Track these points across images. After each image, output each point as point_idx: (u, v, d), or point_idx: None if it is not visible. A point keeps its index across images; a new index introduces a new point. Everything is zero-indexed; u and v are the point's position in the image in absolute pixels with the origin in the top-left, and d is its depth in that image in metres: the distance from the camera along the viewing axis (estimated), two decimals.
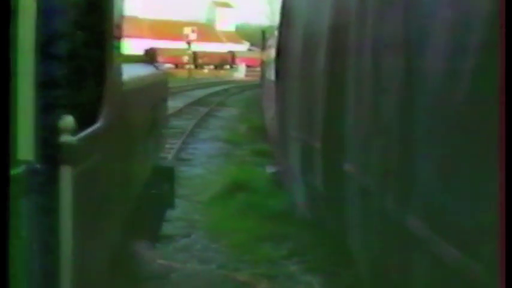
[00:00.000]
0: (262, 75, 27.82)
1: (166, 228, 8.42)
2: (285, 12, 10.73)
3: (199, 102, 30.35)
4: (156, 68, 6.92)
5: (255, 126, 19.66)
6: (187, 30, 55.26)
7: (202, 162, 14.45)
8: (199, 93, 36.17)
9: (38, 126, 2.54)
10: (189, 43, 55.71)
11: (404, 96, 3.80)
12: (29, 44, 2.48)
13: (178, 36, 63.31)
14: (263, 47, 30.77)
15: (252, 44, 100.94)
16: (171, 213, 8.95)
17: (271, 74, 18.15)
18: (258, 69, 75.82)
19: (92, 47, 3.44)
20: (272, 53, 21.03)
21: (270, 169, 11.65)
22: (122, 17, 4.00)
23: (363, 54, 4.67)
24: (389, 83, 4.05)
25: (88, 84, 3.42)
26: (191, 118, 22.53)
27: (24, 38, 2.45)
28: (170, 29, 77.77)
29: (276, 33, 16.02)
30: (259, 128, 19.13)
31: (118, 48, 3.89)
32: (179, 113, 23.64)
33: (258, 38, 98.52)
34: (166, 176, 6.97)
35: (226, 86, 45.58)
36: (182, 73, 54.87)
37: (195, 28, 56.48)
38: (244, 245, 7.89)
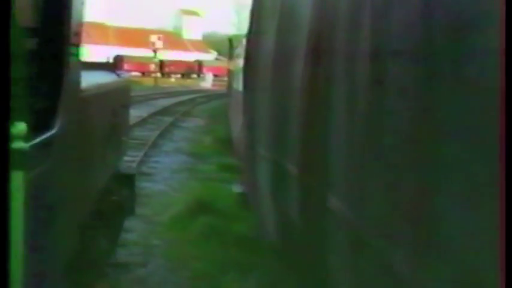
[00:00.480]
0: (229, 85, 26.98)
1: (121, 255, 7.61)
2: (255, 18, 9.90)
3: (164, 111, 29.34)
4: (118, 75, 6.90)
5: (221, 139, 18.79)
6: (153, 37, 54.27)
7: (164, 178, 13.52)
8: (165, 102, 35.07)
9: None
10: (155, 51, 54.67)
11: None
12: None
13: (144, 43, 62.40)
14: (230, 56, 29.93)
15: (219, 53, 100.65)
16: (126, 237, 8.20)
17: (238, 84, 17.37)
18: (225, 78, 75.97)
19: (48, 52, 3.44)
20: (239, 62, 20.26)
21: (236, 188, 10.77)
22: (80, 22, 3.95)
23: (354, 63, 3.77)
24: (391, 98, 3.18)
25: (43, 90, 3.40)
26: (155, 129, 21.55)
27: None
28: (137, 37, 76.82)
29: (243, 41, 15.23)
30: (225, 140, 18.26)
31: (76, 54, 3.87)
32: (142, 122, 22.66)
33: (225, 47, 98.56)
34: (126, 183, 7.06)
35: (192, 96, 44.54)
36: (148, 81, 53.88)
37: (161, 36, 55.48)
38: (207, 276, 7.06)
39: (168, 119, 25.62)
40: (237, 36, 27.55)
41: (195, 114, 30.38)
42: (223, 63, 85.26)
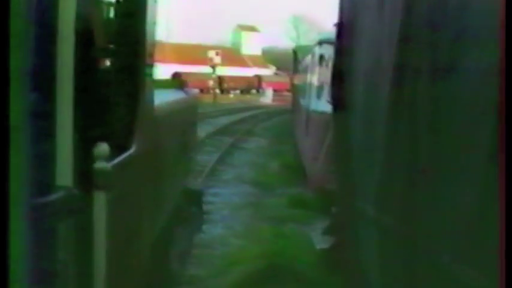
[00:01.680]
0: (294, 101, 24.34)
1: None
2: (345, 29, 7.36)
3: (223, 131, 26.89)
4: (186, 93, 6.89)
5: (289, 164, 16.19)
6: (211, 53, 52.18)
7: (223, 217, 11.02)
8: (224, 120, 32.61)
9: (75, 153, 2.50)
10: (213, 67, 52.56)
11: None
12: (68, 74, 2.45)
13: (202, 60, 60.69)
14: (294, 69, 27.32)
15: (278, 68, 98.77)
16: None
17: (305, 100, 14.81)
18: (285, 93, 73.72)
19: (125, 74, 3.53)
20: (306, 76, 17.71)
21: (320, 243, 8.08)
22: (154, 42, 3.99)
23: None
24: None
25: (122, 111, 3.47)
26: (213, 151, 19.08)
27: (64, 67, 2.41)
28: (195, 53, 75.08)
29: (316, 52, 12.65)
30: (294, 166, 15.67)
31: (150, 74, 3.92)
32: (200, 144, 20.16)
33: (284, 61, 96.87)
34: (194, 199, 7.16)
35: (253, 112, 42.07)
36: (207, 98, 51.79)
37: (219, 51, 53.33)
38: None
39: (227, 140, 23.19)
40: (301, 48, 24.94)
41: (257, 133, 27.82)
42: (283, 78, 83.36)
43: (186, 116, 6.73)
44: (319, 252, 7.72)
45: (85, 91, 2.62)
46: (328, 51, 11.41)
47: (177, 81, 7.33)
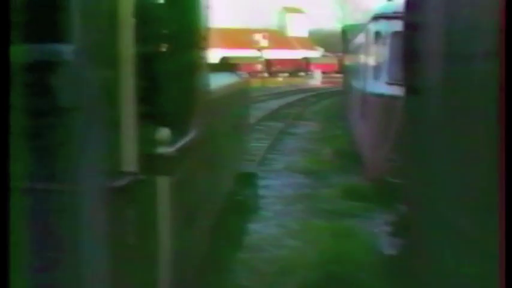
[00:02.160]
0: (346, 83, 23.15)
1: None
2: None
3: (272, 115, 25.86)
4: (238, 76, 6.82)
5: (343, 150, 15.07)
6: (257, 36, 51.15)
7: (276, 212, 10.02)
8: (273, 104, 31.56)
9: (138, 139, 2.52)
10: (260, 50, 51.48)
11: None
12: (130, 60, 2.43)
13: (249, 44, 59.75)
14: (344, 50, 26.06)
15: (325, 50, 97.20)
16: None
17: (359, 81, 13.68)
18: (334, 75, 72.19)
19: (183, 59, 3.51)
20: (356, 56, 16.54)
21: (387, 247, 6.99)
22: (207, 27, 3.93)
23: None
24: None
25: (180, 95, 3.43)
26: (263, 138, 18.09)
27: (125, 54, 2.40)
28: (241, 37, 74.13)
29: (371, 28, 11.49)
30: (348, 152, 14.56)
31: (205, 58, 3.89)
32: (250, 131, 19.21)
33: (331, 43, 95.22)
34: (249, 182, 7.10)
35: (302, 95, 40.86)
36: (255, 82, 50.75)
37: (265, 34, 52.23)
38: None
39: (277, 125, 22.18)
40: (351, 27, 23.66)
41: (307, 117, 26.69)
42: (331, 60, 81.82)
43: (239, 99, 6.61)
44: (386, 257, 6.66)
45: (145, 76, 2.59)
46: (385, 27, 10.28)
47: (229, 64, 7.16)
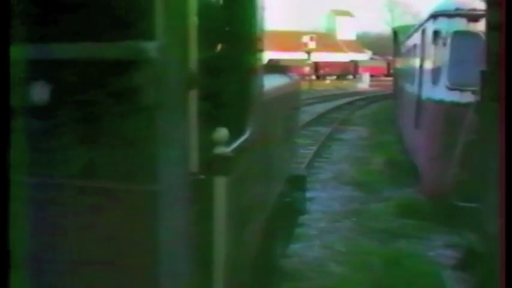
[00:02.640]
0: (396, 87, 21.85)
1: None
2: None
3: (319, 120, 24.73)
4: (290, 77, 6.82)
5: (395, 160, 13.89)
6: (305, 38, 49.79)
7: (321, 230, 8.96)
8: (320, 108, 30.35)
9: (199, 140, 2.55)
10: (308, 53, 50.21)
11: None
12: (193, 62, 2.43)
13: (297, 46, 58.70)
14: (395, 52, 24.73)
15: (374, 53, 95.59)
16: None
17: (413, 86, 12.50)
18: (382, 78, 70.53)
19: (239, 62, 3.56)
20: (409, 59, 15.32)
21: (453, 283, 5.81)
22: (263, 28, 3.92)
23: None
24: None
25: (238, 96, 3.50)
26: (309, 144, 16.99)
27: (193, 53, 2.41)
28: (289, 40, 73.17)
29: (428, 28, 10.33)
30: (401, 162, 13.39)
31: (260, 59, 3.89)
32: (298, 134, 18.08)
33: (379, 46, 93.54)
34: (298, 184, 6.92)
35: (350, 99, 39.52)
36: (303, 84, 49.30)
37: (313, 36, 50.91)
38: None
39: (324, 130, 21.07)
40: (402, 29, 22.35)
41: (355, 122, 25.46)
42: (379, 63, 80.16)
43: (291, 100, 6.59)
44: None
45: (205, 79, 2.59)
46: (446, 25, 9.10)
47: (280, 66, 7.12)
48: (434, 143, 9.12)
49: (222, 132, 2.74)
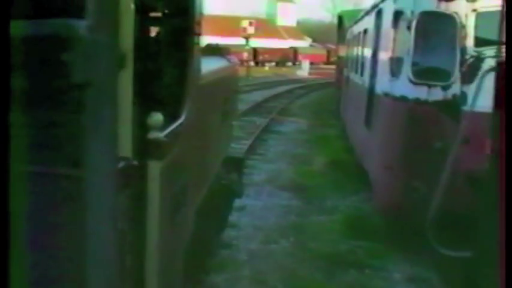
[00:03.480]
0: (340, 76, 20.16)
1: None
2: None
3: (256, 109, 22.86)
4: (228, 60, 6.71)
5: (339, 160, 12.18)
6: (244, 23, 47.69)
7: (251, 255, 7.12)
8: (258, 96, 28.41)
9: (132, 124, 2.50)
10: (247, 38, 48.21)
11: None
12: (129, 45, 2.46)
13: (236, 32, 56.69)
14: (339, 38, 23.00)
15: (314, 40, 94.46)
16: None
17: (363, 78, 10.83)
18: (322, 66, 69.34)
19: (176, 45, 3.53)
20: (357, 45, 13.63)
21: None
22: (202, 12, 3.90)
23: None
24: None
25: (173, 80, 3.50)
26: (242, 137, 15.09)
27: (125, 39, 2.42)
28: (228, 25, 70.95)
29: (386, 9, 8.62)
30: (346, 163, 11.69)
31: (198, 43, 3.86)
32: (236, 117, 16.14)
33: (320, 33, 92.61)
34: (235, 166, 6.94)
35: (289, 86, 37.76)
36: (241, 71, 47.27)
37: (253, 21, 48.85)
38: None
39: (260, 121, 19.23)
40: (348, 13, 20.60)
41: (295, 112, 23.65)
42: (319, 50, 79.05)
43: (229, 83, 6.53)
44: None
45: (140, 61, 2.56)
46: (410, 4, 7.35)
47: (219, 49, 6.72)
48: (392, 149, 7.37)
49: (157, 117, 2.69)
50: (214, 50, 6.47)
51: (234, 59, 7.58)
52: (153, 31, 3.37)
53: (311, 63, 61.91)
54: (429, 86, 6.97)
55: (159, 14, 3.42)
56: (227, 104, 6.25)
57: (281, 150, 14.53)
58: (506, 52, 2.43)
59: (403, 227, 7.08)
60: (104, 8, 2.12)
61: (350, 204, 9.32)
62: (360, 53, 12.45)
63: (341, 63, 20.35)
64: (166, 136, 2.86)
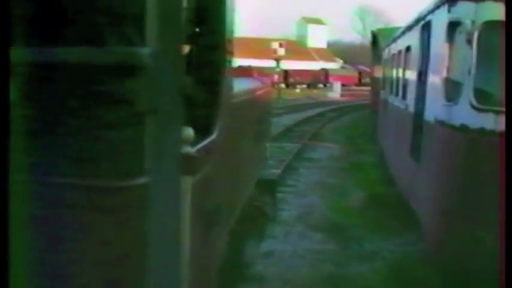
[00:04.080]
0: (377, 98, 18.75)
1: None
2: None
3: (286, 133, 21.57)
4: (261, 81, 6.77)
5: (379, 194, 10.77)
6: (274, 44, 46.55)
7: None
8: (289, 119, 27.12)
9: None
10: (277, 60, 46.99)
11: None
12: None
13: (267, 54, 55.81)
14: (374, 58, 21.64)
15: (345, 61, 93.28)
16: None
17: (407, 101, 9.50)
18: (354, 88, 67.89)
19: (208, 60, 3.55)
20: (396, 65, 12.31)
21: None
22: (233, 30, 3.90)
23: None
24: None
25: (205, 97, 3.49)
26: (272, 166, 13.72)
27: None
28: (259, 47, 70.14)
29: (436, 20, 7.29)
30: (387, 198, 10.30)
31: (230, 63, 3.85)
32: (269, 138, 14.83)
33: (350, 54, 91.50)
34: (268, 188, 6.83)
35: (320, 109, 36.42)
36: (273, 92, 45.89)
37: (283, 42, 47.64)
38: None
39: (291, 147, 17.93)
40: (385, 31, 19.26)
41: (327, 137, 22.28)
42: (351, 72, 77.69)
43: (261, 104, 6.46)
44: None
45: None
46: (471, 13, 6.02)
47: (252, 70, 6.14)
48: (451, 190, 6.00)
49: (187, 132, 2.69)
50: (246, 72, 7.28)
51: (266, 80, 7.48)
52: (187, 47, 3.37)
53: (342, 85, 60.56)
54: (496, 113, 5.62)
55: (193, 31, 3.44)
56: (260, 125, 6.23)
57: (313, 180, 13.17)
58: (506, 52, 2.41)
59: (463, 286, 5.72)
60: (166, 34, 2.10)
61: (394, 249, 7.93)
62: (401, 74, 11.09)
63: (377, 85, 18.94)
64: (197, 152, 2.86)
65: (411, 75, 9.21)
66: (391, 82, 13.16)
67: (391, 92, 13.01)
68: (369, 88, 54.53)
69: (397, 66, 11.86)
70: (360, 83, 73.32)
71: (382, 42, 18.26)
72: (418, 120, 7.85)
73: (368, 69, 71.72)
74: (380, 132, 15.92)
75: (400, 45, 11.73)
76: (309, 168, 14.90)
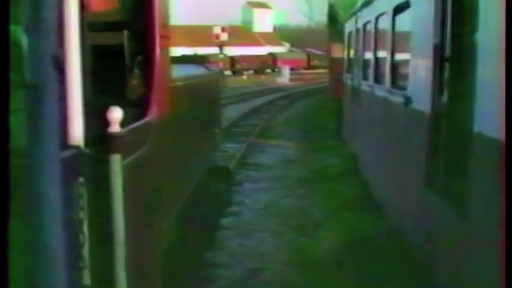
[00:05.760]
0: (337, 83, 15.09)
1: None
2: None
3: (230, 130, 17.81)
4: (207, 68, 6.69)
5: (358, 226, 7.14)
6: (216, 29, 42.75)
7: None
8: (234, 111, 23.23)
9: (88, 116, 2.47)
10: (221, 46, 43.10)
11: None
12: (77, 38, 2.44)
13: (210, 40, 52.15)
14: (331, 35, 17.97)
15: (292, 45, 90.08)
16: None
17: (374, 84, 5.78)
18: (303, 71, 64.65)
19: (140, 46, 3.53)
20: (372, 41, 8.73)
21: None
22: (168, 16, 3.93)
23: None
24: None
25: (138, 80, 3.48)
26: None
27: (73, 32, 2.44)
28: (203, 35, 66.14)
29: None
30: (371, 234, 6.70)
31: (166, 46, 3.84)
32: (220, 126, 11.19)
33: (298, 38, 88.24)
34: (222, 176, 6.85)
35: (269, 97, 32.78)
36: (222, 79, 41.99)
37: (225, 27, 43.82)
38: None
39: (235, 148, 14.27)
40: (344, 2, 15.56)
41: (278, 132, 18.53)
42: (299, 55, 74.39)
43: (208, 91, 6.48)
44: None
45: (102, 59, 2.59)
46: None
47: (199, 57, 6.68)
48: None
49: (116, 111, 2.64)
50: (191, 59, 6.45)
51: (214, 67, 7.39)
52: (118, 35, 3.22)
53: (291, 69, 57.06)
54: None
55: (124, 20, 3.33)
56: (207, 111, 6.23)
57: (263, 203, 9.42)
58: (506, 52, 2.14)
59: None
60: (39, 10, 2.06)
61: None
62: (385, 52, 7.41)
63: (337, 68, 15.28)
64: (129, 132, 2.79)
65: (394, 52, 5.57)
66: (364, 63, 9.49)
67: (364, 77, 9.36)
68: (318, 71, 50.99)
69: (376, 41, 8.18)
70: (309, 66, 70.23)
71: (342, 14, 14.59)
72: (450, 130, 4.21)
73: (317, 51, 68.68)
74: (349, 129, 12.35)
75: (371, 14, 8.04)
76: (256, 181, 11.15)
